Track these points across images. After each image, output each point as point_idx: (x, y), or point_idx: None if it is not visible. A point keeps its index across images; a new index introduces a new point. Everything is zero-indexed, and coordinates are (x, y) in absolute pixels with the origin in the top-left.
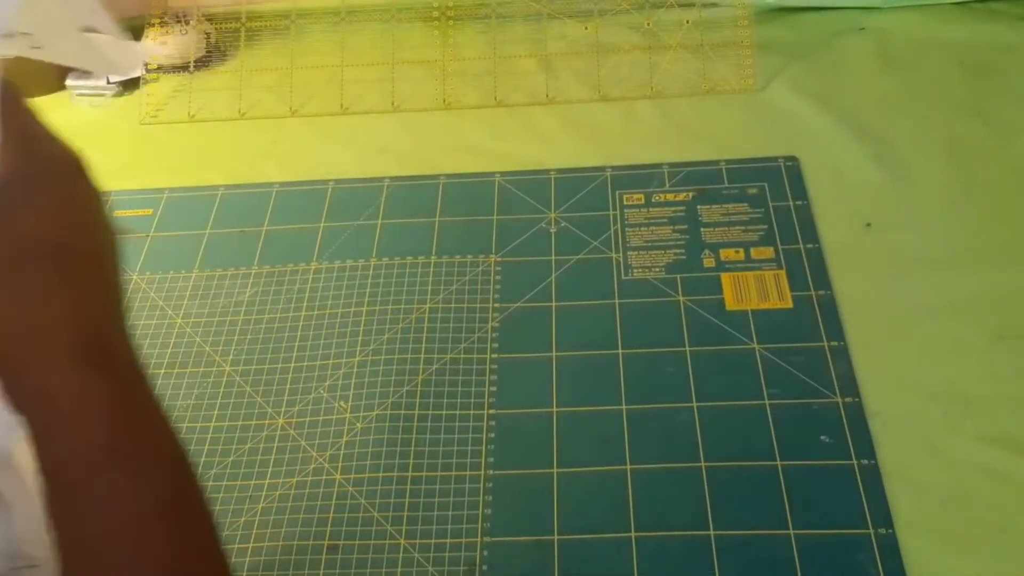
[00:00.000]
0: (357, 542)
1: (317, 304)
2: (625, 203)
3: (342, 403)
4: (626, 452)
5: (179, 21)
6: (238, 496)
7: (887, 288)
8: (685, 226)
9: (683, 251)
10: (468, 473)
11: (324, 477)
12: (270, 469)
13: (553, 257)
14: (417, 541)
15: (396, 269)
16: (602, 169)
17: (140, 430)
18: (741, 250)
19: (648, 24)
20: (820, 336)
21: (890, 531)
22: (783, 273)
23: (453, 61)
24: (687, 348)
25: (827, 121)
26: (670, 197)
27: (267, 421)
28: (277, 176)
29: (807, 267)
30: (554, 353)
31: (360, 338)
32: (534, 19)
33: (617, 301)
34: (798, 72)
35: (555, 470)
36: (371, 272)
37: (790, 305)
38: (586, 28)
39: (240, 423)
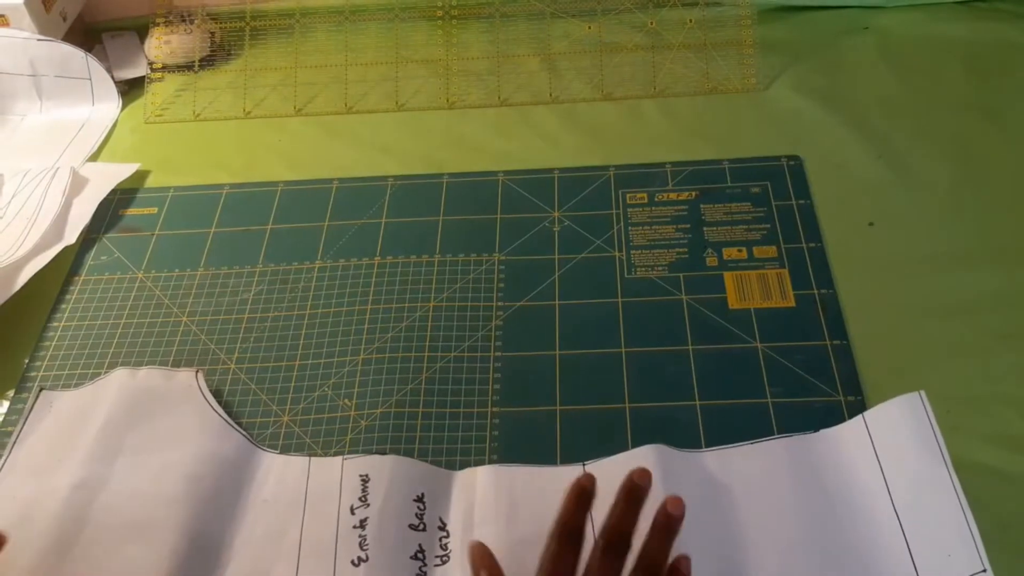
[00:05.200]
0: None
1: (321, 302)
2: (628, 202)
3: (346, 401)
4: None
5: (184, 20)
6: None
7: (890, 287)
8: (688, 225)
9: (686, 250)
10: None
11: None
12: None
13: (556, 256)
14: None
15: (400, 267)
16: (605, 168)
17: None
18: (744, 249)
19: (651, 23)
20: (823, 335)
21: None
22: (786, 272)
23: (457, 60)
24: (690, 347)
25: (830, 120)
26: (673, 196)
27: (272, 419)
28: (281, 175)
29: (810, 266)
30: (557, 352)
31: (364, 336)
32: (537, 18)
33: (620, 300)
34: (801, 71)
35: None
36: (375, 270)
37: (793, 304)
38: (589, 27)
39: (245, 420)
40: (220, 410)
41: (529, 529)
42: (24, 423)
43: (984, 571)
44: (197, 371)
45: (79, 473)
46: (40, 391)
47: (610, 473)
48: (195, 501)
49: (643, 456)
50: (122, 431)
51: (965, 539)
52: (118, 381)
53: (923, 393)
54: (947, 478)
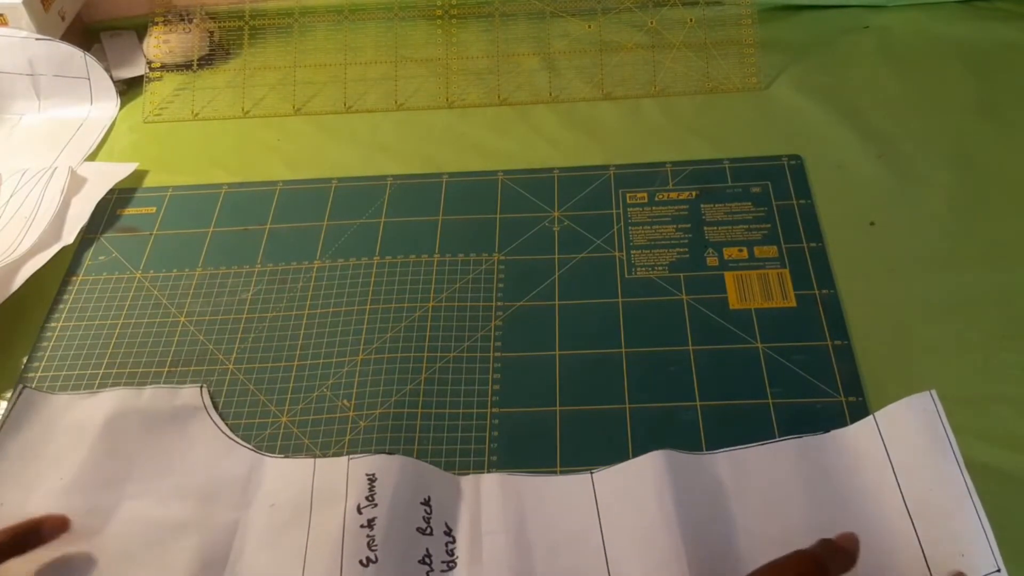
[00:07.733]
0: None
1: (320, 302)
2: (628, 202)
3: (345, 401)
4: (629, 451)
5: (183, 19)
6: None
7: (891, 287)
8: (688, 225)
9: (686, 250)
10: (471, 472)
11: None
12: None
13: (556, 256)
14: None
15: (399, 267)
16: (605, 168)
17: None
18: (745, 249)
19: (652, 22)
20: (824, 335)
21: None
22: (787, 272)
23: (456, 59)
24: (690, 347)
25: (831, 120)
26: (673, 196)
27: (270, 419)
28: (280, 174)
29: (811, 266)
30: (557, 352)
31: (363, 336)
32: (537, 17)
33: (620, 300)
34: (802, 71)
35: (558, 469)
36: (374, 270)
37: (794, 304)
38: (589, 26)
39: (243, 421)
40: (226, 428)
41: (537, 540)
42: (4, 422)
43: (998, 571)
44: (202, 387)
45: (88, 500)
46: (22, 389)
47: (617, 480)
48: (205, 523)
49: (651, 462)
50: (131, 458)
51: (979, 539)
52: (122, 402)
53: (934, 392)
54: (960, 478)
